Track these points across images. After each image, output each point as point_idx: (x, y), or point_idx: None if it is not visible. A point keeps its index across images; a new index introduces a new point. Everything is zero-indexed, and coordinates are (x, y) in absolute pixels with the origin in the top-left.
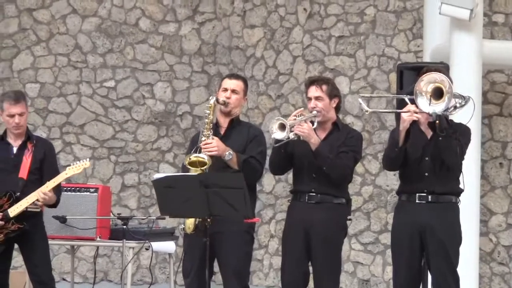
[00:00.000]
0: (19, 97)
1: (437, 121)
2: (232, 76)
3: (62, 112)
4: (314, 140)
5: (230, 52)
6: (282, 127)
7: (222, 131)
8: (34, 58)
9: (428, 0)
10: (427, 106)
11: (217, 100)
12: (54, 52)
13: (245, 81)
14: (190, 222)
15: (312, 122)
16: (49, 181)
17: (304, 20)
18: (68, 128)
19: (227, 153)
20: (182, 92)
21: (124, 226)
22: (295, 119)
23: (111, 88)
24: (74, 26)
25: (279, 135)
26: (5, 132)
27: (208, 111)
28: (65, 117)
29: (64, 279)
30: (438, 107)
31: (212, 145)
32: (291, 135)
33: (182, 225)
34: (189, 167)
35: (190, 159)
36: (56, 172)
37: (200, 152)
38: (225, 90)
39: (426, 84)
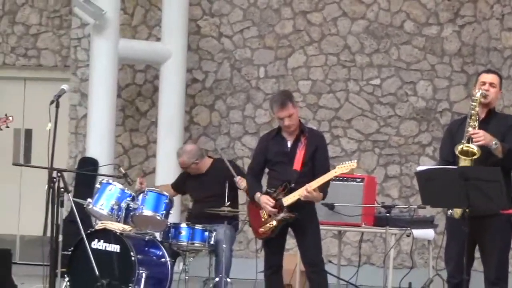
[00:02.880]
0: (284, 101)
1: None
2: (489, 71)
3: (331, 107)
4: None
5: (488, 53)
6: None
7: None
8: (307, 57)
9: None
10: None
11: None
12: (325, 52)
13: (500, 75)
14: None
15: None
16: (320, 172)
17: None
18: (337, 123)
19: (493, 142)
20: (442, 90)
21: (388, 214)
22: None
23: (377, 86)
24: (344, 28)
25: None
26: (280, 127)
27: (474, 103)
28: (333, 112)
29: (330, 261)
30: None
31: (480, 135)
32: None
33: (450, 211)
34: (459, 156)
35: (462, 148)
36: (327, 161)
37: (470, 142)
38: (483, 83)
39: None
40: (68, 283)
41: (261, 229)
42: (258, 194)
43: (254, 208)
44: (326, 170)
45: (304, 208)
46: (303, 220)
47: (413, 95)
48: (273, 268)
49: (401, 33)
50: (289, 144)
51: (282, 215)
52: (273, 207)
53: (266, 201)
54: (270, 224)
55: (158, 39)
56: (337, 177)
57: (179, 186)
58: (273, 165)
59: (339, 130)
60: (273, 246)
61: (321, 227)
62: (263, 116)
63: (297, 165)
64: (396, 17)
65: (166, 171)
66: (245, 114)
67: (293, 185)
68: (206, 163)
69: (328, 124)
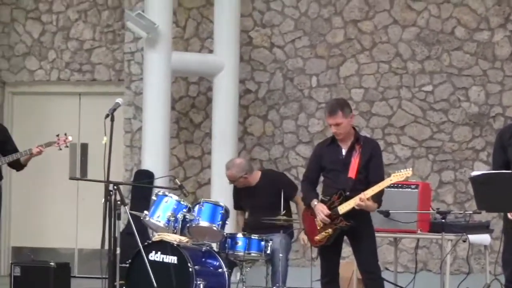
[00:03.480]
0: (334, 109)
1: None
2: None
3: (384, 114)
4: None
5: None
6: None
7: None
8: (359, 65)
9: None
10: None
11: None
12: (377, 60)
13: None
14: None
15: None
16: (375, 181)
17: None
18: (390, 130)
19: None
20: (494, 95)
21: (443, 220)
22: None
23: (429, 92)
24: (395, 35)
25: None
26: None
27: None
28: (386, 119)
29: (387, 269)
30: None
31: None
32: None
33: None
34: None
35: None
36: (381, 169)
37: None
38: None
39: None
40: None
41: (317, 237)
42: (314, 202)
43: (309, 216)
44: (381, 178)
45: (359, 215)
46: (358, 228)
47: (466, 100)
48: (329, 276)
49: (452, 39)
50: (343, 152)
51: (338, 224)
52: (329, 215)
53: (322, 209)
54: (325, 232)
55: (211, 51)
56: (392, 184)
57: (240, 205)
58: (328, 172)
59: (393, 137)
60: (329, 254)
61: (377, 234)
62: (316, 125)
63: (351, 173)
64: (447, 23)
65: (221, 182)
66: (298, 123)
67: (348, 193)
68: (256, 176)
69: (381, 131)
